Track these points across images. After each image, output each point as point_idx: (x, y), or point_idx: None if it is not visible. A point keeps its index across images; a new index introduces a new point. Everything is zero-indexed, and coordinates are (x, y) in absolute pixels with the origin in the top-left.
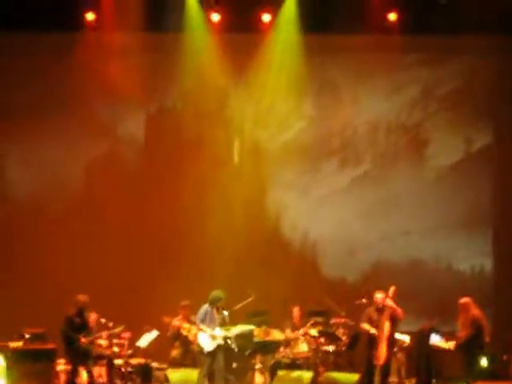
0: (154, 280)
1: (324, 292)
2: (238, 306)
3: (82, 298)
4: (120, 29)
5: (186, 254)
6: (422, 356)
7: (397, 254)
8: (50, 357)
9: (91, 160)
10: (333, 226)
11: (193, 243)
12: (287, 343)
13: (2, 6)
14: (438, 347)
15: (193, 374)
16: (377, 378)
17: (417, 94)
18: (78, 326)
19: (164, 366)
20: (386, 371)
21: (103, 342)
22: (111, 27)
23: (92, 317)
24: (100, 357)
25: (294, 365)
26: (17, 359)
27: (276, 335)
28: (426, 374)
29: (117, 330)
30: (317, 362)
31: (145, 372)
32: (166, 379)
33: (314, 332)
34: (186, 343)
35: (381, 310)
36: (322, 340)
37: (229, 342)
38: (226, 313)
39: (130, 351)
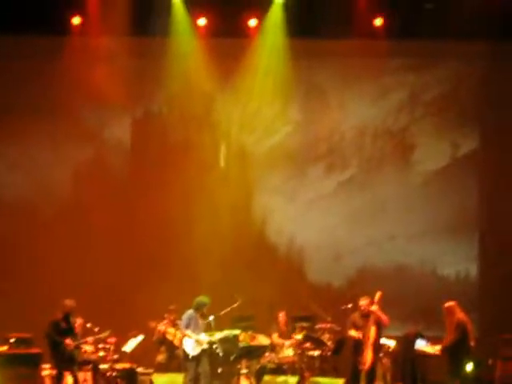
0: (141, 284)
1: (310, 297)
2: (223, 312)
3: (69, 302)
4: (106, 33)
5: (173, 259)
6: (407, 361)
7: (383, 258)
8: (35, 361)
9: (78, 164)
10: (319, 230)
11: (179, 247)
12: (273, 348)
13: None
14: (424, 352)
15: (178, 378)
16: (362, 383)
17: (403, 99)
18: (63, 330)
19: (149, 370)
20: (371, 376)
21: (89, 348)
22: (97, 32)
23: (78, 321)
24: (85, 362)
25: (279, 370)
26: (2, 363)
27: (262, 340)
28: (411, 378)
29: (103, 336)
30: (302, 367)
31: (130, 377)
32: None
33: (299, 336)
34: (172, 348)
35: (366, 315)
36: (308, 345)
37: (214, 346)
38: (211, 318)
39: (115, 356)
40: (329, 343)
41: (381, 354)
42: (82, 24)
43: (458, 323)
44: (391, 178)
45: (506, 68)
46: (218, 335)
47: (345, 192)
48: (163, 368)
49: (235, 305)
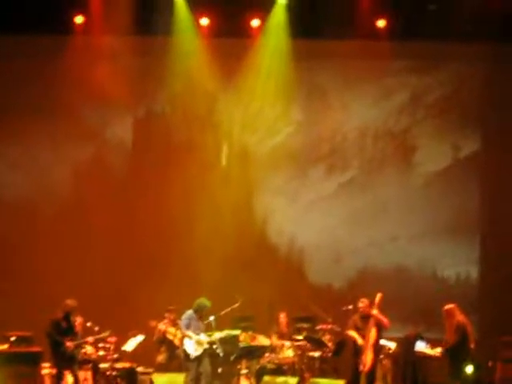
0: (141, 284)
1: (310, 298)
2: (224, 312)
3: (70, 302)
4: (109, 32)
5: (173, 258)
6: (407, 363)
7: (383, 260)
8: (35, 360)
9: (79, 164)
10: (320, 231)
11: (180, 247)
12: (273, 349)
13: None
14: (424, 354)
15: (178, 378)
16: None
17: (405, 101)
18: (64, 329)
19: (150, 370)
20: (371, 378)
21: (89, 347)
22: (100, 31)
23: (78, 320)
24: (85, 361)
25: (279, 370)
26: (2, 362)
27: (262, 340)
28: (411, 380)
29: (103, 336)
30: (302, 368)
31: (130, 376)
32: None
33: (299, 337)
34: (172, 348)
35: (366, 317)
36: (308, 346)
37: (214, 346)
38: (212, 318)
39: (115, 355)
40: (329, 344)
41: (381, 356)
42: (85, 23)
43: (457, 325)
44: (392, 179)
45: (508, 70)
46: (218, 335)
47: (346, 193)
48: (163, 368)
49: (235, 305)
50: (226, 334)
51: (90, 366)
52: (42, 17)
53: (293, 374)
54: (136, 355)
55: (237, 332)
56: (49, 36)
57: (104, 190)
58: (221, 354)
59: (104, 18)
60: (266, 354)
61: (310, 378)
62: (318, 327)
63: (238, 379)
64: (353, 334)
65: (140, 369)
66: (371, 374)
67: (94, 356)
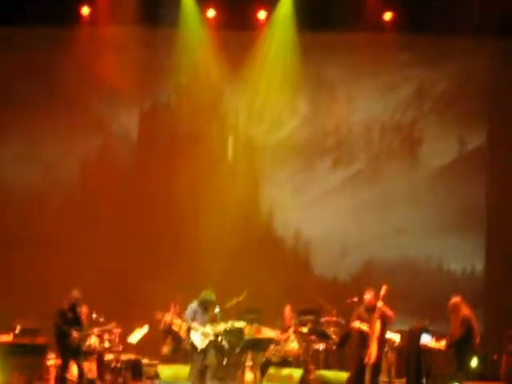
0: (147, 275)
1: (315, 291)
2: (229, 304)
3: (76, 293)
4: (115, 23)
5: (180, 250)
6: (412, 355)
7: (389, 253)
8: (40, 351)
9: (85, 155)
10: (325, 224)
11: (186, 239)
12: (278, 341)
13: None
14: (429, 347)
15: (184, 370)
16: (367, 377)
17: (411, 94)
18: (70, 320)
19: (155, 362)
20: (376, 370)
21: (94, 339)
22: (106, 22)
23: (83, 311)
24: (90, 352)
25: (284, 362)
26: (7, 353)
27: (267, 333)
28: (416, 373)
29: (108, 327)
30: (307, 360)
31: (135, 368)
32: (157, 375)
33: (304, 329)
34: (178, 339)
35: (371, 309)
36: (313, 338)
37: (219, 339)
38: (217, 310)
39: (120, 347)
40: (334, 337)
41: (386, 349)
42: (91, 14)
43: (463, 319)
44: (398, 172)
45: None
46: (223, 326)
47: (352, 186)
48: (168, 359)
49: (241, 297)
50: (231, 326)
51: (95, 357)
52: (49, 8)
53: (298, 367)
54: (141, 346)
55: (241, 324)
56: (55, 27)
57: (111, 182)
58: (226, 347)
59: (110, 9)
60: (271, 347)
61: (315, 370)
62: (323, 319)
63: (243, 371)
64: (357, 324)
65: (145, 360)
66: (376, 367)
67: (98, 347)
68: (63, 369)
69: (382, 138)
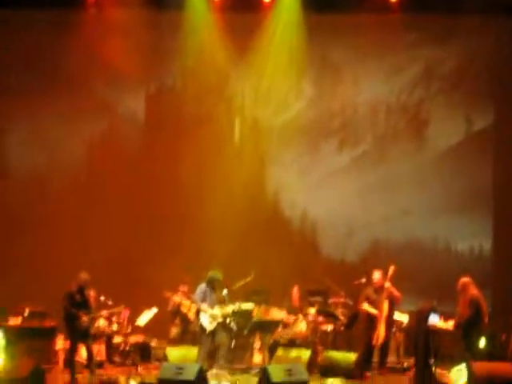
0: (154, 257)
1: (323, 272)
2: (237, 285)
3: (84, 275)
4: (120, 6)
5: (186, 232)
6: (420, 336)
7: (396, 234)
8: (49, 334)
9: (92, 138)
10: (332, 206)
11: (193, 220)
12: (286, 323)
13: None
14: (437, 327)
15: (192, 351)
16: (375, 358)
17: (417, 74)
18: (78, 302)
19: (163, 344)
20: (384, 351)
21: (102, 322)
22: (112, 4)
23: (91, 294)
24: (99, 334)
25: (292, 344)
26: (16, 336)
27: (275, 314)
28: (424, 353)
29: (116, 310)
30: (315, 341)
31: (144, 350)
32: (165, 357)
33: (312, 311)
34: (186, 321)
35: (379, 290)
36: (321, 319)
37: (227, 321)
38: (225, 292)
39: (129, 329)
40: (342, 318)
41: (394, 329)
42: None
43: (471, 299)
44: (404, 153)
45: None
46: (231, 308)
47: (358, 167)
48: (177, 341)
49: (248, 278)
50: (239, 307)
51: (104, 339)
52: None
53: (306, 348)
54: (149, 329)
55: (250, 305)
56: (61, 10)
57: (117, 164)
58: (234, 328)
59: None
60: (279, 328)
61: (323, 351)
62: (331, 300)
63: (252, 353)
64: (366, 306)
65: (153, 343)
66: (384, 348)
67: (107, 330)
68: (72, 351)
69: (388, 119)
